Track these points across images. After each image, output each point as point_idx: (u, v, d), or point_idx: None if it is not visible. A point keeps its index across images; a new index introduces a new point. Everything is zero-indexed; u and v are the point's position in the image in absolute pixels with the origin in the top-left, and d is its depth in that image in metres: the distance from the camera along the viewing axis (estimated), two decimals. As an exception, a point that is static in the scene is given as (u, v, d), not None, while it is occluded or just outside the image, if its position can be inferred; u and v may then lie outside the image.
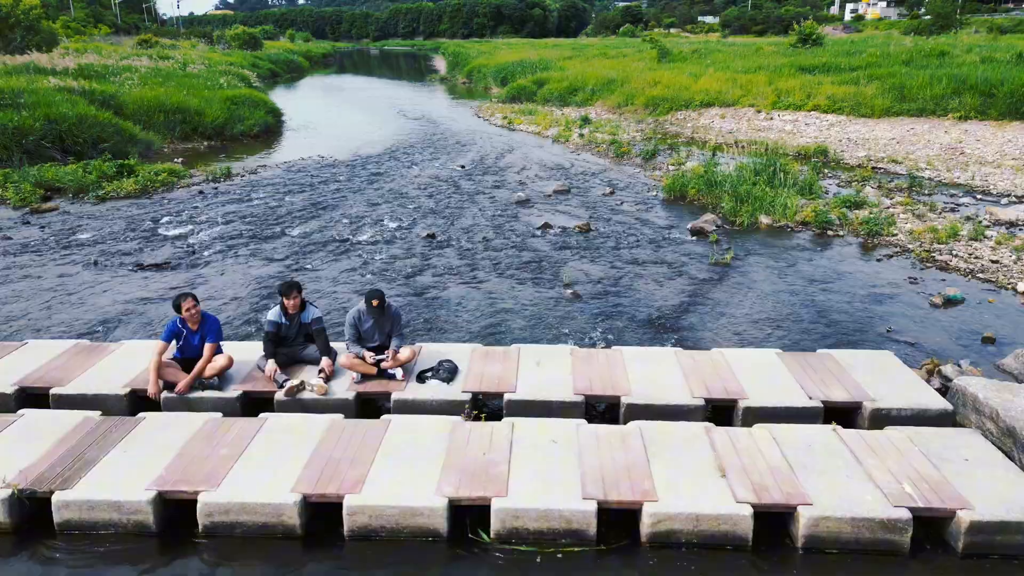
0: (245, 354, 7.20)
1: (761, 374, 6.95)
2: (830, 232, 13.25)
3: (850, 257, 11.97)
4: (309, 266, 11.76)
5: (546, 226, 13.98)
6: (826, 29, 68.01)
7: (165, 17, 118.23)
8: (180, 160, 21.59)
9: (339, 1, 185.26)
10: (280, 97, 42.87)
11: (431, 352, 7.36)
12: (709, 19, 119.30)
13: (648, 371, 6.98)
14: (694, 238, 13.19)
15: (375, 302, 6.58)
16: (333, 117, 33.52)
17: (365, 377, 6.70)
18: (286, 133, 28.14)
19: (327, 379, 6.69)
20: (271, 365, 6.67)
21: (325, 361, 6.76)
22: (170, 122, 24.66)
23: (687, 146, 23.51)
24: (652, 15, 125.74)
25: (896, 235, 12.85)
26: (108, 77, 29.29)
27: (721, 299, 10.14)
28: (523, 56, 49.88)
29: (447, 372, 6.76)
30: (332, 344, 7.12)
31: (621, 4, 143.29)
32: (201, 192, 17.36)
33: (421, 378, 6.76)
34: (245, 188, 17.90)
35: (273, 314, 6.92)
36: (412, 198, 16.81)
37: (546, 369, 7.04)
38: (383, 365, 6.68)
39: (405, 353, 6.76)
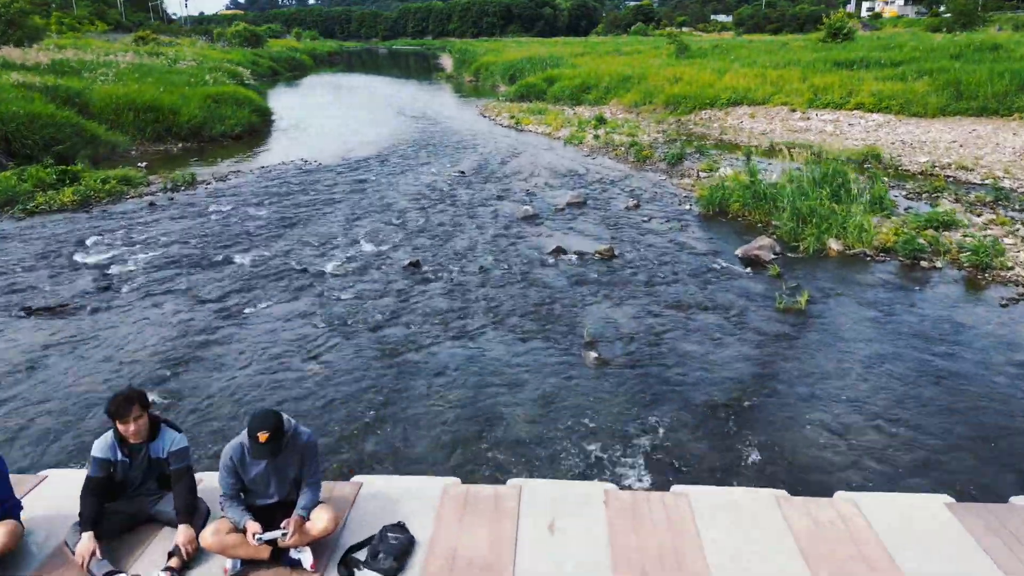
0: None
1: (929, 552, 4.01)
2: (923, 263, 10.22)
3: (962, 301, 8.95)
4: (245, 311, 8.85)
5: (559, 251, 11.04)
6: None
7: (175, 16, 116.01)
8: (144, 164, 18.75)
9: (349, 1, 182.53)
10: (276, 95, 40.08)
11: (375, 495, 4.44)
12: (722, 18, 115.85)
13: (739, 542, 4.05)
14: (747, 269, 10.21)
15: (263, 436, 3.67)
16: (327, 116, 30.69)
17: (248, 564, 3.80)
18: (273, 134, 25.31)
19: (183, 566, 3.80)
20: (86, 543, 3.78)
21: (182, 534, 3.86)
22: (141, 122, 21.85)
23: (716, 149, 20.51)
24: (664, 14, 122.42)
25: (1011, 268, 9.82)
26: (83, 73, 26.52)
27: (807, 370, 7.16)
28: (533, 53, 46.89)
29: (394, 553, 3.84)
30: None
31: (632, 3, 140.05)
32: (152, 204, 14.50)
33: (348, 566, 3.84)
34: (207, 198, 15.04)
35: (101, 445, 4.02)
36: (399, 212, 13.91)
37: (566, 538, 4.11)
38: (282, 543, 3.78)
39: (321, 522, 3.83)
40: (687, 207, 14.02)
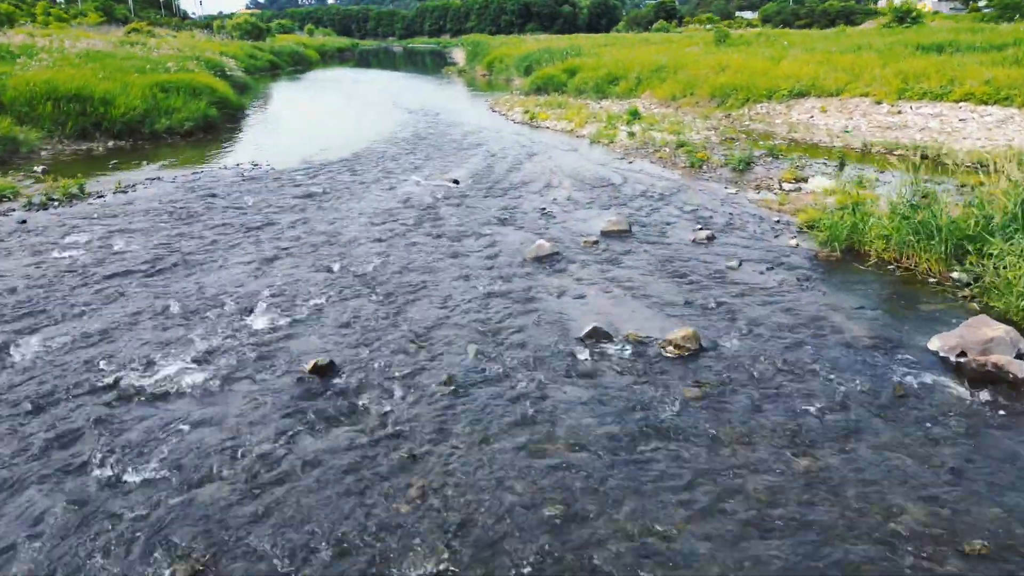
0: None
1: None
2: None
3: None
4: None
5: (597, 336, 5.94)
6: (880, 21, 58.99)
7: (193, 15, 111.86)
8: (42, 169, 13.91)
9: (367, 0, 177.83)
10: (266, 88, 35.20)
11: None
12: (748, 14, 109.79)
13: None
14: (975, 392, 5.06)
15: None
16: (311, 111, 25.75)
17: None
18: (236, 130, 20.39)
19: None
20: None
21: None
22: (61, 114, 17.02)
23: (791, 151, 15.30)
24: (687, 11, 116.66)
25: None
26: (20, 58, 21.75)
27: None
28: (552, 45, 41.68)
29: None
30: None
31: (652, 1, 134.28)
32: (-11, 229, 9.63)
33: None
34: (76, 220, 10.11)
35: None
36: (343, 248, 8.89)
37: None
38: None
39: None
40: (788, 240, 8.86)
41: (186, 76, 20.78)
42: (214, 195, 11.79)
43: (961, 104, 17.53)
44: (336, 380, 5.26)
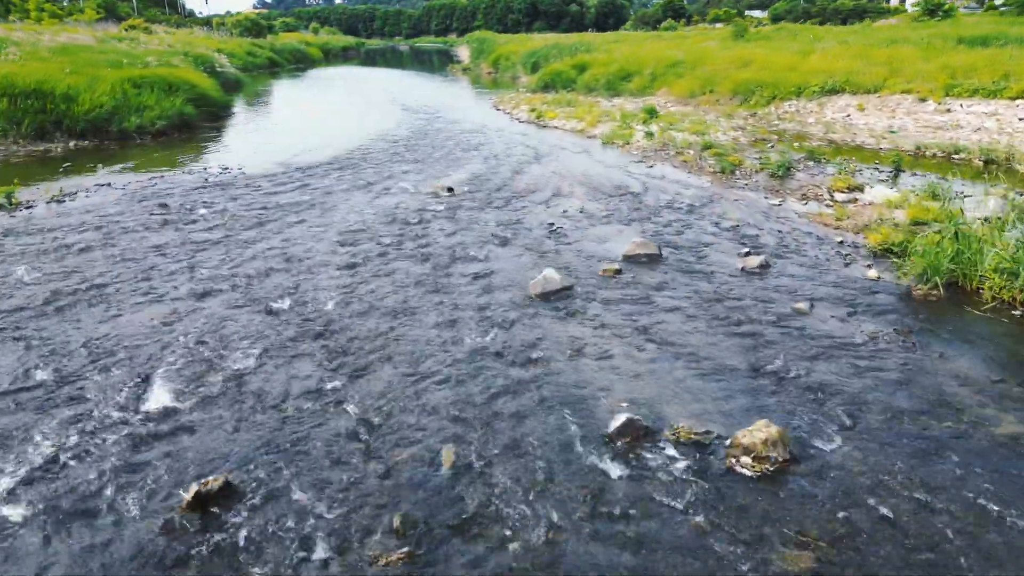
0: None
1: None
2: None
3: None
4: None
5: (630, 433, 3.99)
6: (898, 19, 56.68)
7: (200, 14, 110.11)
8: (-19, 173, 12.07)
9: (374, 0, 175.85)
10: (262, 86, 33.35)
11: None
12: (757, 13, 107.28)
13: None
14: None
15: None
16: (305, 109, 23.86)
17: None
18: (216, 130, 18.50)
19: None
20: None
21: None
22: (17, 111, 15.19)
23: (833, 155, 13.31)
24: (695, 10, 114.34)
25: None
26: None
27: None
28: (559, 41, 39.67)
29: None
30: None
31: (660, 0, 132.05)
32: None
33: None
34: (-10, 238, 8.26)
35: None
36: (307, 275, 6.97)
37: None
38: None
39: None
40: (864, 270, 6.89)
41: (163, 71, 18.89)
42: (164, 206, 9.89)
43: (1018, 102, 15.46)
44: (226, 518, 3.33)
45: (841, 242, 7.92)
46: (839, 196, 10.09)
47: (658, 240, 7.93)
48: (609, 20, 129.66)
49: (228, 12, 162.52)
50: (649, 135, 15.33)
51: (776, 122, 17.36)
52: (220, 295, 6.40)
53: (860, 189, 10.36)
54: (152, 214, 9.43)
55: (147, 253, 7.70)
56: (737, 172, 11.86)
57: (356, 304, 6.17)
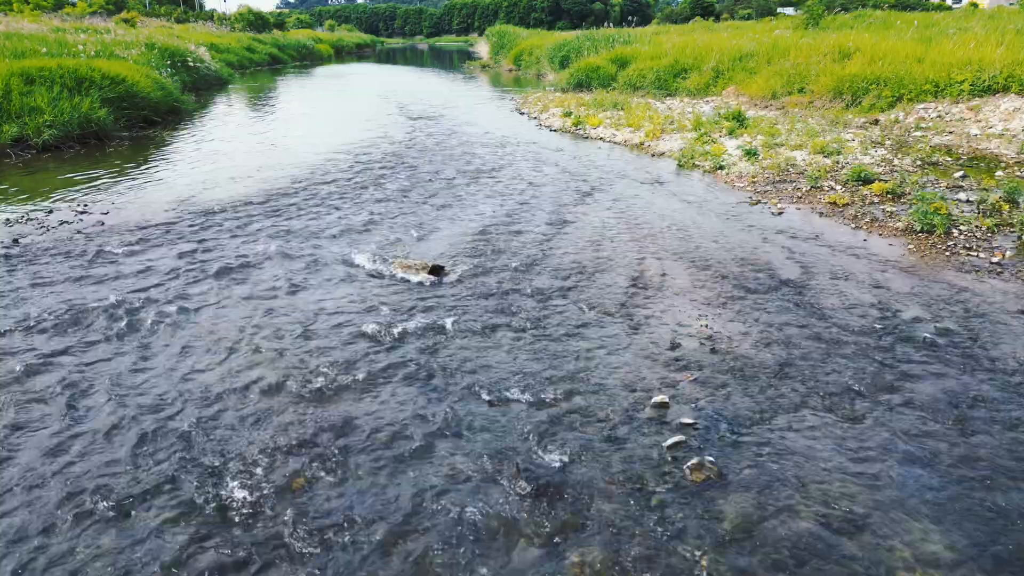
0: None
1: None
2: None
3: None
4: None
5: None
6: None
7: (224, 14, 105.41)
8: None
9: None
10: (252, 84, 28.27)
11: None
12: (789, 11, 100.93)
13: None
14: None
15: None
16: (281, 113, 18.68)
17: None
18: (144, 141, 13.39)
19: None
20: None
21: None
22: None
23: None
24: (724, 8, 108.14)
25: None
26: None
27: None
28: (590, 34, 34.20)
29: None
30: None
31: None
32: None
33: None
34: None
35: None
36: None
37: None
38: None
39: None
40: None
41: (74, 63, 13.80)
42: None
43: None
44: None
45: None
46: None
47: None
48: (632, 19, 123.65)
49: (249, 10, 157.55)
50: (750, 154, 9.99)
51: (916, 133, 11.89)
52: None
53: None
54: None
55: None
56: (955, 234, 6.49)
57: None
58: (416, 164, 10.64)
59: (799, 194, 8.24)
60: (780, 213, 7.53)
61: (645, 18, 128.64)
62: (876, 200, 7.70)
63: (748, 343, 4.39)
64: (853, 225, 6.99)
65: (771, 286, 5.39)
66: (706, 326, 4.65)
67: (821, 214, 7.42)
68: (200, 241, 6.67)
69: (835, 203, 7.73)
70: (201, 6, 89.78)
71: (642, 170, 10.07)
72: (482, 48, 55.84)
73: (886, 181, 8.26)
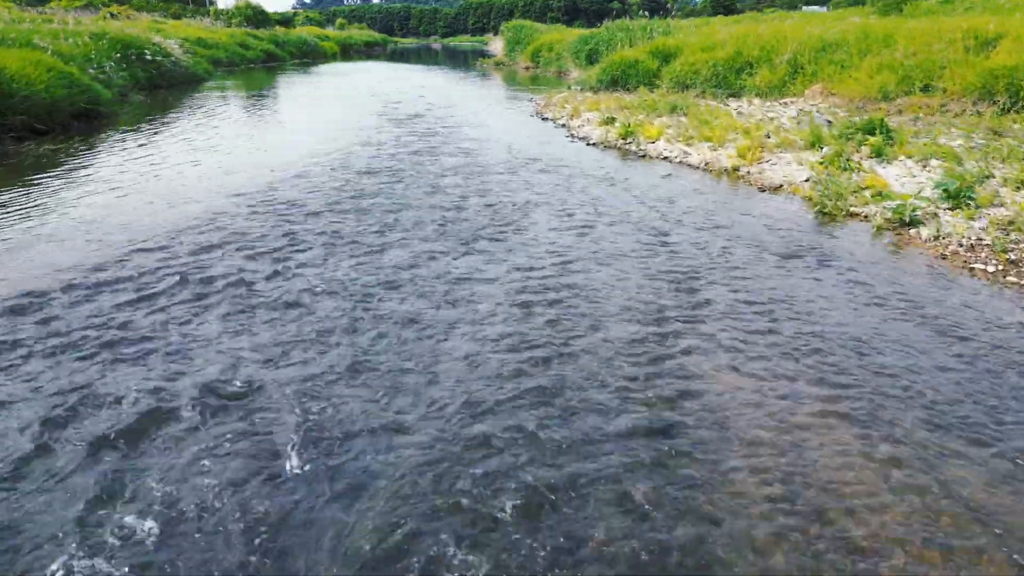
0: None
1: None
2: None
3: None
4: None
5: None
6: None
7: (222, 8, 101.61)
8: None
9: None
10: (234, 82, 24.04)
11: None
12: (814, 9, 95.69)
13: None
14: None
15: None
16: (243, 121, 14.43)
17: None
18: (20, 157, 9.25)
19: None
20: None
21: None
22: None
23: None
24: (748, 6, 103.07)
25: None
26: None
27: None
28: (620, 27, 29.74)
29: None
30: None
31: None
32: None
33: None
34: None
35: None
36: None
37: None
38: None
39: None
40: None
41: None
42: None
43: None
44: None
45: None
46: None
47: None
48: (652, 18, 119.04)
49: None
50: (954, 197, 5.63)
51: None
52: None
53: None
54: None
55: None
56: None
57: None
58: (397, 195, 6.37)
59: None
60: None
61: (664, 17, 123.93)
62: None
63: None
64: None
65: None
66: None
67: None
68: (85, 323, 2.45)
69: None
70: (212, 2, 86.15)
71: (760, 223, 5.76)
72: (496, 46, 51.52)
73: None
